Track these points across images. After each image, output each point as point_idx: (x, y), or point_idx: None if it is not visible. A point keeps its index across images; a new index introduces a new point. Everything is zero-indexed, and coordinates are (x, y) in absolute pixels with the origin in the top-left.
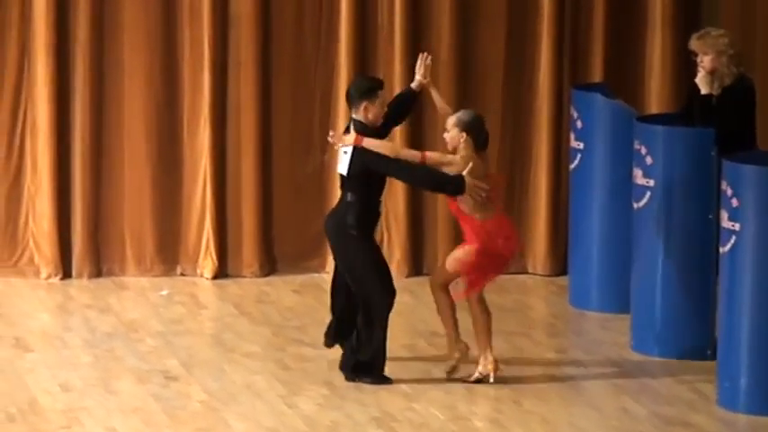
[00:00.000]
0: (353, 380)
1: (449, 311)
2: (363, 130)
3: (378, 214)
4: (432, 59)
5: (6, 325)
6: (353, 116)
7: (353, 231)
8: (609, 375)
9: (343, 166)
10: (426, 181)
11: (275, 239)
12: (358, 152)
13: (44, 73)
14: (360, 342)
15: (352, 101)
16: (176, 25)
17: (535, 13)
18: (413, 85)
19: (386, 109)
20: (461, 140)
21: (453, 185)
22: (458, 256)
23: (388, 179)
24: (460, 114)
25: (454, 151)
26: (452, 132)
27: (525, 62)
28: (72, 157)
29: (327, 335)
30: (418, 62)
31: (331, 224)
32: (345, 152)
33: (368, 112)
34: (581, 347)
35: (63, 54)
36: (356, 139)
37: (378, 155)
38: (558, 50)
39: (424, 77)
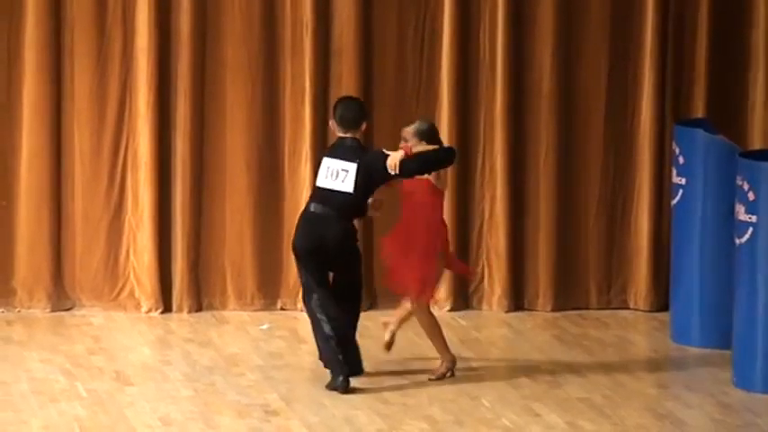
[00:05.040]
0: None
1: (438, 329)
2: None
3: None
4: (534, 93)
5: (107, 359)
6: (351, 136)
7: (355, 242)
8: (711, 411)
9: (346, 185)
10: (450, 157)
11: (374, 274)
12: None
13: (145, 107)
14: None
15: (351, 124)
16: (278, 59)
17: (637, 48)
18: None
19: None
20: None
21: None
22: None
23: None
24: (418, 125)
25: None
26: (412, 142)
27: (627, 97)
28: (173, 191)
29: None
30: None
31: (335, 237)
32: (346, 170)
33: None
34: (682, 383)
35: (164, 88)
36: (406, 150)
37: (421, 155)
38: (660, 86)
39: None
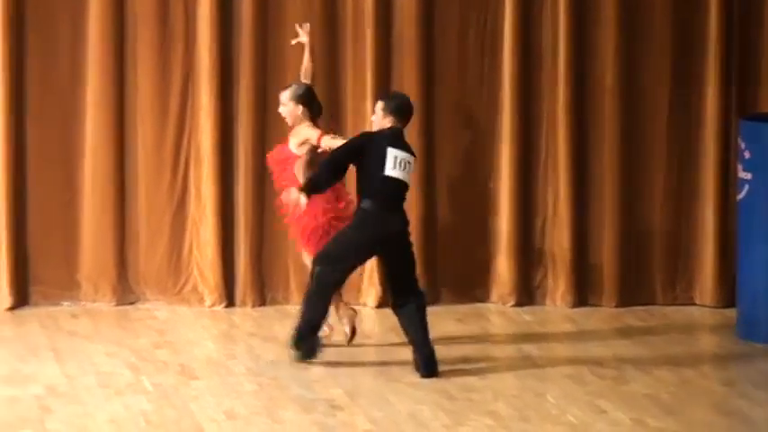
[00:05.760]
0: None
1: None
2: None
3: None
4: (596, 88)
5: (171, 352)
6: (402, 128)
7: None
8: None
9: (408, 177)
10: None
11: (439, 268)
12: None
13: (207, 101)
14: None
15: (408, 116)
16: (339, 54)
17: (701, 42)
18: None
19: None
20: (299, 112)
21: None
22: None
23: None
24: (294, 88)
25: (294, 124)
26: (289, 106)
27: (692, 92)
28: (235, 185)
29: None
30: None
31: (405, 226)
32: (409, 162)
33: None
34: (749, 380)
35: (226, 81)
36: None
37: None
38: (725, 80)
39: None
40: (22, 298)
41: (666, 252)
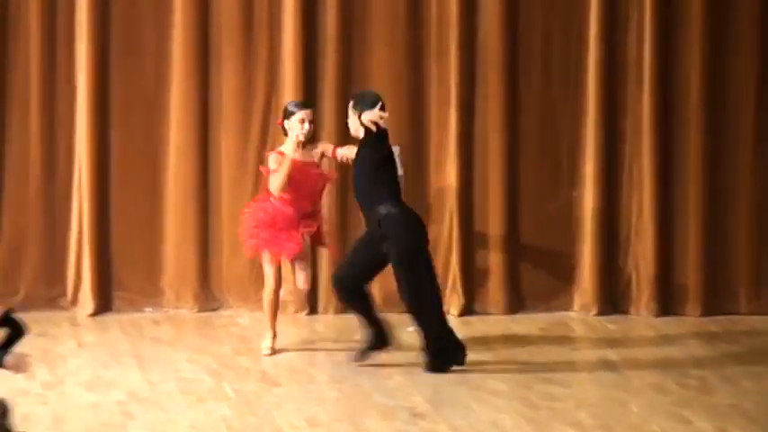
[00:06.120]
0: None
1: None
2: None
3: None
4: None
5: (253, 359)
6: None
7: None
8: None
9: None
10: None
11: (522, 276)
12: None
13: None
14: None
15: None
16: (423, 62)
17: None
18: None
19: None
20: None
21: None
22: None
23: None
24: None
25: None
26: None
27: None
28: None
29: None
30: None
31: None
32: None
33: None
34: None
35: (310, 90)
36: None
37: None
38: None
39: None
40: (104, 304)
41: (751, 261)
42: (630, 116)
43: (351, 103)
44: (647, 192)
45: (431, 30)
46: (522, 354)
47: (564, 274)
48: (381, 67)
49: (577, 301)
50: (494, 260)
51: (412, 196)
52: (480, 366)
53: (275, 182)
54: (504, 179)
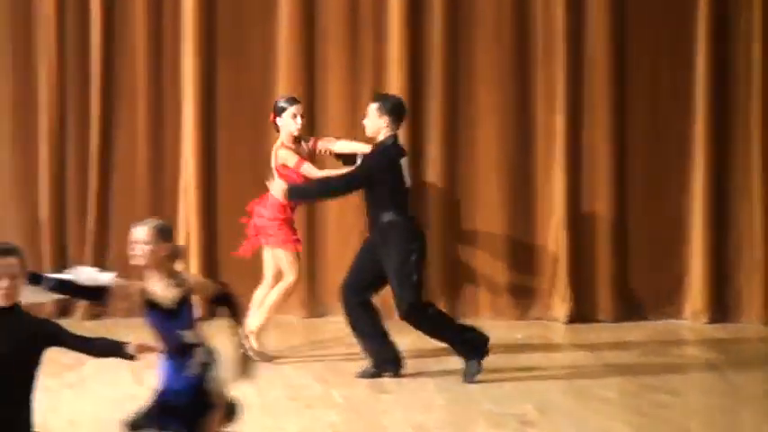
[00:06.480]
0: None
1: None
2: None
3: None
4: None
5: (361, 365)
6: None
7: None
8: None
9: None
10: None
11: (630, 284)
12: None
13: None
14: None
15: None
16: (529, 67)
17: None
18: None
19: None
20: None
21: None
22: None
23: None
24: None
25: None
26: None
27: None
28: (427, 198)
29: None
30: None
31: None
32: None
33: None
34: None
35: (416, 97)
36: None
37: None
38: None
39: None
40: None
41: None
42: (741, 124)
43: (375, 105)
44: (756, 200)
45: (537, 34)
46: (631, 361)
47: (674, 282)
48: (487, 71)
49: (687, 308)
50: (602, 266)
51: (519, 199)
52: (589, 374)
53: (313, 170)
54: (611, 185)
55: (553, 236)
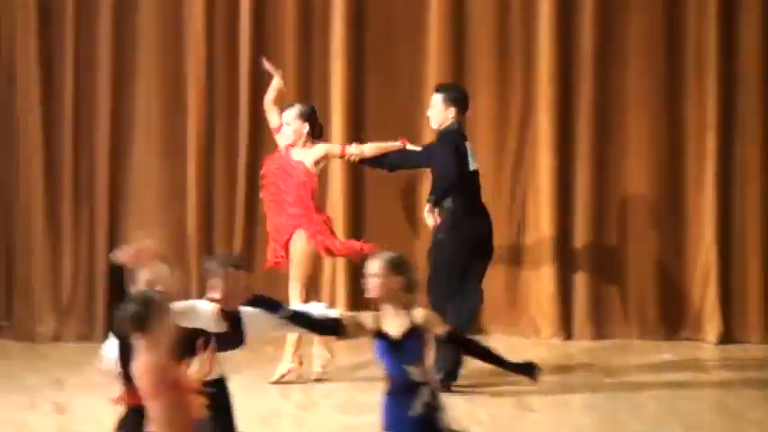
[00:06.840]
0: None
1: None
2: None
3: None
4: None
5: (508, 383)
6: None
7: None
8: None
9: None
10: None
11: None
12: None
13: (545, 136)
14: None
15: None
16: (680, 89)
17: None
18: None
19: None
20: (304, 131)
21: None
22: None
23: None
24: (300, 107)
25: (295, 142)
26: (295, 125)
27: None
28: (573, 219)
29: None
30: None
31: None
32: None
33: None
34: None
35: (566, 117)
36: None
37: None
38: None
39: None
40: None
41: None
42: (749, 120)
43: (441, 96)
44: None
45: (688, 56)
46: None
47: None
48: (639, 92)
49: None
50: (753, 286)
51: (668, 222)
52: (739, 395)
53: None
54: (762, 204)
55: (703, 255)
